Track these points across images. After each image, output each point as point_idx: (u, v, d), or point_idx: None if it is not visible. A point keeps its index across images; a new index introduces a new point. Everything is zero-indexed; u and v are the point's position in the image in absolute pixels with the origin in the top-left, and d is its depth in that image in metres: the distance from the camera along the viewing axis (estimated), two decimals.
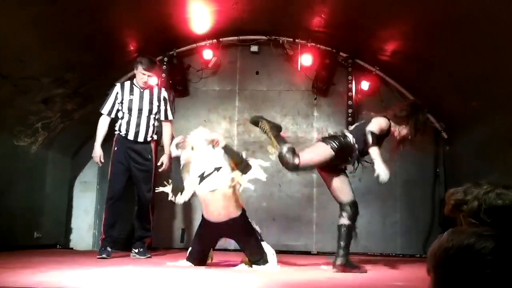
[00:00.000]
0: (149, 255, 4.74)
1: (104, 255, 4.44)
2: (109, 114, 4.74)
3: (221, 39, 6.42)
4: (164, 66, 6.37)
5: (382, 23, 5.32)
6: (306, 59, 6.34)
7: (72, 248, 6.55)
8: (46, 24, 3.96)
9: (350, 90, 6.35)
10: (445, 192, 5.96)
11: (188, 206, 6.30)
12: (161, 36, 6.01)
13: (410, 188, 6.28)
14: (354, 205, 3.89)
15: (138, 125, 4.72)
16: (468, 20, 4.26)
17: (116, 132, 4.76)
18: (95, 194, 7.06)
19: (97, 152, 4.72)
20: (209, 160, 3.49)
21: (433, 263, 1.06)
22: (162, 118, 4.93)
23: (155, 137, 4.91)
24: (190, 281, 2.80)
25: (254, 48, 6.53)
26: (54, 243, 6.17)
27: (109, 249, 4.54)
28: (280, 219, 6.32)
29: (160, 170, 4.78)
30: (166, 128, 5.00)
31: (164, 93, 4.94)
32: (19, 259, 3.80)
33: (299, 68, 6.43)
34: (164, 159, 4.86)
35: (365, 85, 6.37)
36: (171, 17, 5.65)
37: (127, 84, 4.80)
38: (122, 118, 4.74)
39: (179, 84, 6.44)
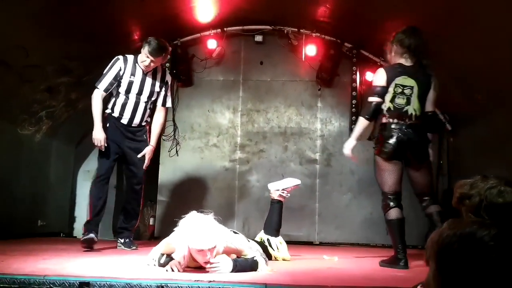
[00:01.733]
0: (135, 247, 4.37)
1: (88, 238, 4.01)
2: (106, 91, 4.21)
3: (225, 29, 6.39)
4: (168, 56, 6.34)
5: (387, 14, 5.28)
6: (310, 50, 6.31)
7: (75, 237, 6.59)
8: (48, 15, 3.95)
9: (354, 81, 6.32)
10: (448, 183, 6.00)
11: (193, 198, 6.32)
12: (165, 25, 5.98)
13: None
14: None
15: (134, 110, 4.29)
16: (472, 14, 4.23)
17: (108, 111, 4.30)
18: None
19: (100, 134, 4.13)
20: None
21: (434, 250, 1.06)
22: (159, 104, 4.47)
23: (149, 119, 4.48)
24: (193, 272, 2.81)
25: (258, 38, 6.50)
26: (58, 231, 6.21)
27: (92, 235, 4.06)
28: (283, 209, 6.31)
29: (145, 167, 4.44)
30: (160, 115, 4.50)
31: (168, 77, 4.52)
32: (23, 247, 3.83)
33: (303, 59, 6.40)
34: (147, 151, 4.39)
35: (369, 76, 6.33)
36: (175, 6, 5.63)
37: (131, 60, 4.28)
38: (117, 97, 4.27)
39: (183, 74, 6.43)
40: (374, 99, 3.59)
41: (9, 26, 4.21)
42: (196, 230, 2.63)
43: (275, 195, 4.20)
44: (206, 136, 6.52)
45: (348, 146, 3.73)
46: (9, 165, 5.06)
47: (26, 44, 4.47)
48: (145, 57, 4.15)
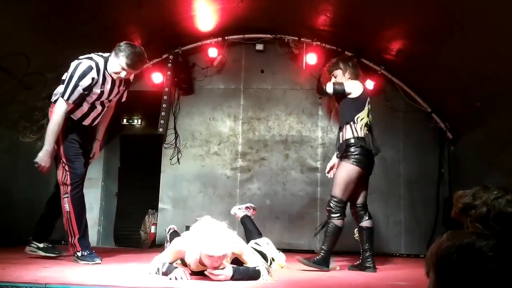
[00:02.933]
0: (59, 252, 3.91)
1: (98, 260, 3.67)
2: (74, 103, 3.62)
3: (226, 37, 6.42)
4: (169, 64, 6.38)
5: (387, 22, 5.31)
6: (311, 58, 6.34)
7: None
8: (46, 20, 3.95)
9: None
10: (449, 192, 6.00)
11: (194, 206, 6.32)
12: (166, 34, 6.02)
13: (414, 188, 6.27)
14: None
15: (97, 116, 3.87)
16: (471, 20, 4.25)
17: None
18: (99, 190, 7.10)
19: (48, 159, 3.59)
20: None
21: (433, 261, 1.06)
22: (115, 99, 3.98)
23: None
24: (193, 281, 2.81)
25: (259, 47, 6.53)
26: (59, 239, 6.18)
27: (88, 252, 3.72)
28: (284, 217, 6.32)
29: (90, 161, 4.08)
30: (110, 111, 4.06)
31: (132, 76, 3.94)
32: (24, 254, 3.82)
33: (304, 67, 6.42)
34: (96, 148, 4.04)
35: (370, 84, 6.34)
36: (176, 15, 5.66)
37: (101, 67, 3.64)
38: (80, 106, 3.71)
39: (184, 82, 6.45)
40: (331, 91, 3.98)
41: (7, 32, 4.23)
42: (210, 236, 2.68)
43: (240, 214, 4.45)
44: (207, 144, 6.53)
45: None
46: (7, 171, 5.06)
47: (25, 50, 4.48)
48: (119, 68, 3.59)
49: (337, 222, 3.80)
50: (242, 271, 2.87)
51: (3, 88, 4.68)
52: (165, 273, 2.83)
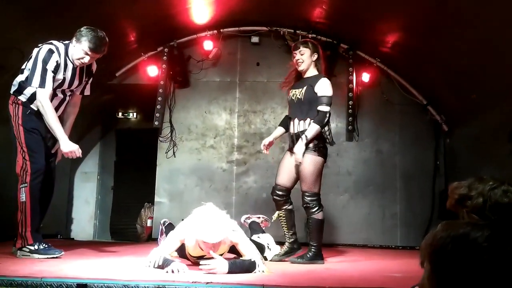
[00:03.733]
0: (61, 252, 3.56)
1: (56, 254, 3.46)
2: (52, 88, 3.52)
3: (221, 30, 6.40)
4: (164, 57, 6.36)
5: (383, 15, 5.31)
6: None
7: (73, 238, 6.59)
8: (40, 16, 3.93)
9: (350, 81, 6.34)
10: (445, 184, 6.03)
11: (190, 199, 6.32)
12: (161, 27, 5.98)
13: (410, 180, 6.29)
14: None
15: (59, 106, 3.70)
16: (466, 13, 4.25)
17: (23, 100, 3.57)
18: (95, 184, 7.10)
19: (71, 144, 3.55)
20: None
21: (428, 252, 1.07)
22: (78, 92, 3.86)
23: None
24: (190, 272, 2.81)
25: (254, 39, 6.52)
26: (55, 233, 6.19)
27: (45, 245, 3.51)
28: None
29: (57, 161, 3.95)
30: (77, 104, 3.91)
31: (94, 66, 3.86)
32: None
33: None
34: (59, 149, 3.72)
35: (365, 77, 6.36)
36: (171, 8, 5.63)
37: (62, 53, 3.55)
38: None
39: (180, 75, 6.43)
40: (329, 109, 3.78)
41: (1, 27, 4.20)
42: (207, 222, 2.76)
43: (248, 221, 4.52)
44: (203, 138, 6.52)
45: (301, 151, 3.72)
46: (2, 166, 5.03)
47: (19, 46, 4.44)
48: (82, 54, 3.51)
49: (318, 215, 3.77)
50: (239, 264, 2.88)
51: None
52: (162, 266, 2.84)
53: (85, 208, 6.97)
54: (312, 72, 3.94)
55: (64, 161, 6.39)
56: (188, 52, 6.56)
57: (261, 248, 3.74)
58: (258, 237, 4.04)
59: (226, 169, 6.44)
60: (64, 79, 3.60)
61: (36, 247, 3.46)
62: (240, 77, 6.62)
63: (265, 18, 6.28)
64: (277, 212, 4.02)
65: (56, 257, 3.44)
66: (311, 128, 3.70)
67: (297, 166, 3.79)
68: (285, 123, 4.07)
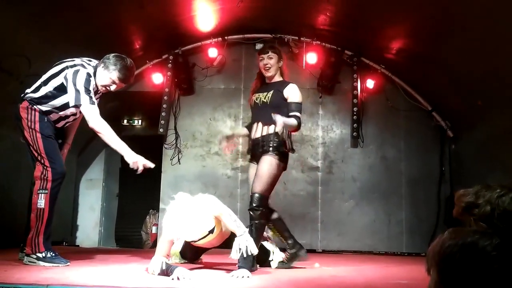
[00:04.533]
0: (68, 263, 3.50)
1: (61, 264, 3.42)
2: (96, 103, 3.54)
3: (226, 37, 6.43)
4: (169, 64, 6.39)
5: (387, 21, 5.31)
6: (311, 57, 6.35)
7: (78, 245, 6.60)
8: (46, 21, 3.95)
9: (355, 88, 6.34)
10: (451, 190, 6.00)
11: None
12: (166, 34, 6.02)
13: (415, 186, 6.27)
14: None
15: (71, 121, 3.78)
16: (471, 19, 4.25)
17: (43, 109, 3.54)
18: (100, 191, 7.12)
19: (137, 156, 3.51)
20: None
21: (436, 260, 1.06)
22: None
23: None
24: (195, 280, 2.81)
25: (259, 46, 6.52)
26: (60, 240, 6.21)
27: (53, 253, 3.46)
28: (285, 217, 6.24)
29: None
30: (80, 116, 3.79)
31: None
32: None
33: (304, 66, 6.43)
34: (64, 152, 3.81)
35: (370, 83, 6.36)
36: (176, 15, 5.66)
37: (93, 80, 3.53)
38: (60, 110, 3.58)
39: (184, 82, 6.45)
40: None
41: (8, 33, 4.23)
42: (182, 222, 2.84)
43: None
44: (207, 144, 6.53)
45: (282, 119, 3.55)
46: (9, 172, 5.06)
47: (26, 52, 4.48)
48: (109, 82, 3.52)
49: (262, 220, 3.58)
50: (245, 263, 2.98)
51: (5, 89, 4.69)
52: (166, 272, 2.84)
53: (90, 215, 6.98)
54: (278, 78, 3.81)
55: (69, 168, 6.44)
56: (193, 59, 6.58)
57: (265, 252, 3.72)
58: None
59: (230, 175, 6.44)
60: None
61: (44, 254, 3.44)
62: (244, 84, 6.63)
63: (269, 25, 6.31)
64: (269, 230, 3.91)
65: (67, 265, 3.41)
66: (292, 121, 3.55)
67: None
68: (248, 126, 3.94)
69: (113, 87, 3.55)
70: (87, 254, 4.71)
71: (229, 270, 3.18)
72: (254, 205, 3.48)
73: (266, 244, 3.98)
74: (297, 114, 3.63)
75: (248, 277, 2.87)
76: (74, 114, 3.70)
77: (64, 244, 6.23)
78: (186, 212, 2.84)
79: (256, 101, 3.75)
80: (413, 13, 4.84)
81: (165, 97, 6.38)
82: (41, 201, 3.45)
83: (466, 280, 0.99)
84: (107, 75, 3.49)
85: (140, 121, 7.59)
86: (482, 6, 4.00)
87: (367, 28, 5.63)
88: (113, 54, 3.54)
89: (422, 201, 6.24)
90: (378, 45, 5.96)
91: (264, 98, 3.69)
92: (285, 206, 6.34)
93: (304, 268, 3.77)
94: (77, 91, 3.42)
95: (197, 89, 6.61)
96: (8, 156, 5.06)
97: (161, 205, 6.43)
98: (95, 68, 3.56)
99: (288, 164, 6.50)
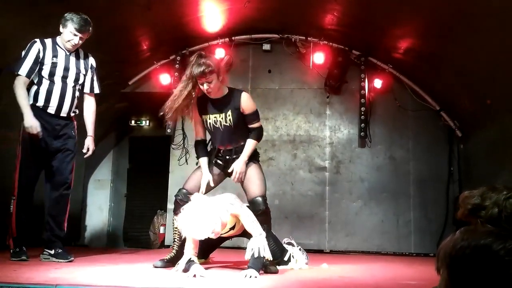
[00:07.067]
0: (71, 258, 3.78)
1: (23, 257, 3.65)
2: (29, 76, 3.67)
3: (233, 38, 6.43)
4: (177, 65, 6.40)
5: (395, 21, 5.29)
6: (318, 57, 6.33)
7: (87, 245, 6.63)
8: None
9: (362, 88, 6.32)
10: (459, 190, 5.96)
11: None
12: (173, 35, 6.03)
13: (423, 186, 6.24)
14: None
15: (62, 96, 3.78)
16: (480, 18, 4.22)
17: (30, 102, 3.69)
18: (109, 191, 7.14)
19: (33, 120, 3.57)
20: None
21: (447, 261, 1.05)
22: (87, 90, 4.00)
23: (77, 111, 3.97)
24: (202, 279, 2.81)
25: (266, 47, 6.54)
26: (69, 240, 6.23)
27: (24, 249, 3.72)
28: (293, 217, 6.31)
29: (85, 156, 4.04)
30: (90, 103, 4.04)
31: (92, 60, 4.03)
32: (34, 256, 3.84)
33: (311, 66, 6.42)
34: (89, 143, 3.99)
35: (378, 83, 6.34)
36: (183, 16, 5.67)
37: (49, 42, 3.79)
38: (40, 84, 3.74)
39: None
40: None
41: (17, 35, 4.26)
42: (191, 220, 2.85)
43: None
44: None
45: (241, 165, 3.57)
46: None
47: None
48: (71, 36, 3.74)
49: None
50: (255, 264, 2.98)
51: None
52: (186, 270, 2.97)
53: (99, 215, 7.01)
54: (224, 90, 3.53)
55: (77, 169, 6.47)
56: None
57: (282, 250, 3.68)
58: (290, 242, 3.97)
59: None
60: (55, 63, 3.76)
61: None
62: (252, 85, 6.63)
63: (276, 26, 6.30)
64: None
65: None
66: (250, 145, 3.55)
67: (241, 181, 3.64)
68: (204, 151, 3.74)
69: (76, 39, 3.77)
70: (95, 254, 4.73)
71: (241, 269, 3.19)
72: (263, 207, 3.48)
73: (286, 245, 3.94)
74: (256, 124, 3.60)
75: (256, 277, 2.88)
76: (55, 83, 3.80)
77: (72, 244, 6.25)
78: (202, 212, 2.87)
79: (215, 125, 3.55)
80: (421, 12, 4.81)
81: None
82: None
83: (477, 282, 0.98)
84: (66, 30, 3.76)
85: (147, 121, 7.60)
86: (491, 4, 3.97)
87: (375, 27, 5.61)
88: (67, 13, 3.81)
89: (431, 201, 6.20)
90: (385, 44, 5.93)
91: (225, 121, 3.52)
92: (292, 207, 6.35)
93: (312, 268, 3.75)
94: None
95: None
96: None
97: (169, 206, 6.43)
98: (55, 37, 3.84)
99: (296, 164, 6.56)
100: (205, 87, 3.38)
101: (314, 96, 6.58)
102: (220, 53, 6.40)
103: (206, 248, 3.79)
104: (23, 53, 3.73)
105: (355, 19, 5.66)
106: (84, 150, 3.98)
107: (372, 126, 6.38)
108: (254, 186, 3.55)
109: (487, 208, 1.77)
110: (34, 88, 3.73)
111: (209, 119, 3.56)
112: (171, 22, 5.67)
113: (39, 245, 3.88)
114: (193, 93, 3.42)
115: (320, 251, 6.12)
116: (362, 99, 6.30)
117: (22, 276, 2.70)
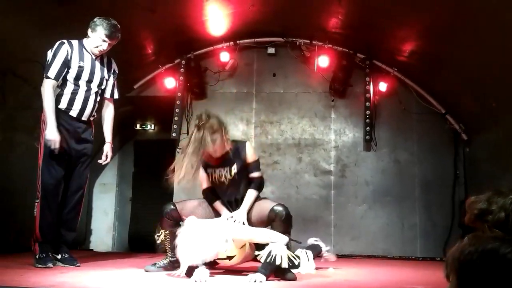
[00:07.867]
0: (78, 264, 3.78)
1: (50, 264, 3.56)
2: (57, 79, 3.64)
3: (238, 42, 6.44)
4: (182, 69, 6.42)
5: (399, 23, 5.29)
6: (323, 61, 6.33)
7: (92, 250, 6.64)
8: (58, 27, 4.01)
9: (367, 91, 6.31)
10: (465, 193, 5.93)
11: None
12: (178, 39, 6.05)
13: (429, 190, 6.21)
14: None
15: (85, 100, 3.76)
16: (484, 20, 4.21)
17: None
18: (114, 195, 7.16)
19: (55, 134, 3.54)
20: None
21: (455, 267, 1.05)
22: (108, 95, 4.00)
23: (95, 115, 3.95)
24: (209, 284, 2.81)
25: (270, 50, 6.55)
26: (74, 244, 6.24)
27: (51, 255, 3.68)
28: (297, 221, 6.20)
29: (103, 163, 4.04)
30: (110, 109, 4.05)
31: (114, 66, 4.01)
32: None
33: (315, 70, 6.42)
34: (107, 149, 4.01)
35: (382, 86, 6.33)
36: (188, 20, 5.69)
37: (76, 44, 3.76)
38: (64, 87, 3.71)
39: (196, 87, 6.48)
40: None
41: (21, 39, 4.28)
42: (191, 247, 2.88)
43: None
44: None
45: (242, 215, 3.42)
46: (24, 176, 5.10)
47: (39, 58, 4.53)
48: (100, 41, 3.71)
49: None
50: (265, 268, 2.97)
51: (19, 95, 4.75)
52: (189, 274, 2.94)
53: (104, 219, 7.03)
54: (228, 145, 3.45)
55: None
56: (205, 63, 6.61)
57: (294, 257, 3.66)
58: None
59: None
60: (81, 68, 3.73)
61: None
62: (256, 88, 6.64)
63: (281, 29, 6.31)
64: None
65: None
66: (252, 196, 3.47)
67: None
68: (215, 194, 3.71)
69: (104, 46, 3.75)
70: (101, 258, 4.74)
71: (247, 274, 3.19)
72: (286, 211, 3.45)
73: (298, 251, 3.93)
74: (257, 174, 3.52)
75: (261, 281, 2.87)
76: (80, 87, 3.77)
77: (77, 248, 6.27)
78: (189, 241, 2.90)
79: (221, 180, 3.52)
80: (425, 15, 4.81)
81: (177, 102, 6.40)
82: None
83: (485, 286, 0.98)
84: (96, 35, 3.72)
85: (152, 125, 7.63)
86: (496, 6, 3.96)
87: (379, 30, 5.61)
88: (97, 17, 3.77)
89: (436, 205, 6.17)
90: (390, 47, 5.93)
91: (230, 175, 3.49)
92: (297, 210, 6.31)
93: (318, 272, 3.74)
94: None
95: (209, 93, 6.64)
96: (23, 161, 5.11)
97: None
98: (82, 39, 3.80)
99: (301, 168, 6.55)
100: (211, 151, 3.36)
101: (319, 100, 6.57)
102: (224, 57, 6.42)
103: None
104: (49, 54, 3.69)
105: (360, 22, 5.66)
106: (104, 157, 3.98)
107: (377, 129, 6.37)
108: (267, 203, 3.49)
109: (494, 212, 1.77)
110: (57, 90, 3.69)
111: (214, 173, 3.56)
112: (176, 26, 5.69)
113: None
114: (200, 159, 3.41)
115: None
116: (367, 103, 6.29)
117: (29, 280, 2.71)
